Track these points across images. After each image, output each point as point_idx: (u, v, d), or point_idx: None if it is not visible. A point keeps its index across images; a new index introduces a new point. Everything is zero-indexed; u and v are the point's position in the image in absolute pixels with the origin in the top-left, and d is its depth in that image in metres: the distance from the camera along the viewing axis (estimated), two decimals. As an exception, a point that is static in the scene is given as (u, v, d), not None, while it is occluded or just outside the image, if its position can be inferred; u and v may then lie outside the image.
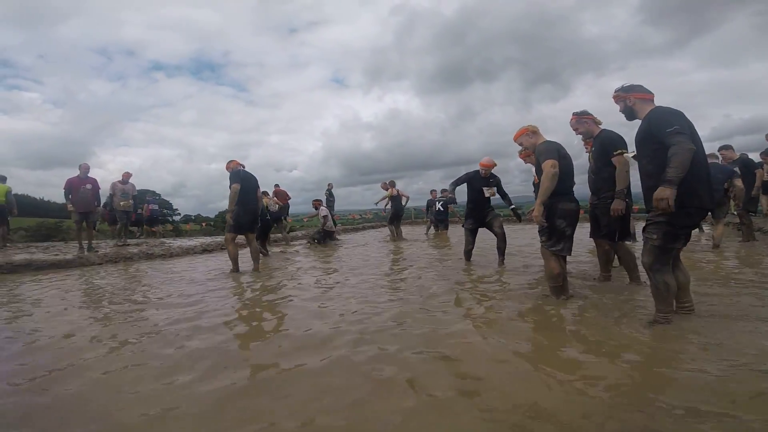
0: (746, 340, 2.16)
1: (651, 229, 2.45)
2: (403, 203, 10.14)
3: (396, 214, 9.79)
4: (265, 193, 8.58)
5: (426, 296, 3.59)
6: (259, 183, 5.60)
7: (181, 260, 7.18)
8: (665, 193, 2.23)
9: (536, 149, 3.28)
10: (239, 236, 5.52)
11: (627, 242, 3.73)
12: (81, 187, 7.23)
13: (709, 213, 5.73)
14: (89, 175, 7.43)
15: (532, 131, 3.39)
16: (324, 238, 9.17)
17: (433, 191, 11.48)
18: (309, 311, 3.24)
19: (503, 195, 5.35)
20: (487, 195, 5.18)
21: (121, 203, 8.41)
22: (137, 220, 12.35)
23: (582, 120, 3.63)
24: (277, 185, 12.40)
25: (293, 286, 4.29)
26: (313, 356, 2.22)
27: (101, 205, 7.78)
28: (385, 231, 11.46)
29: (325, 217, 9.17)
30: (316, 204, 9.67)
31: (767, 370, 1.80)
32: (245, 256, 5.79)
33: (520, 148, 3.84)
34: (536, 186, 3.36)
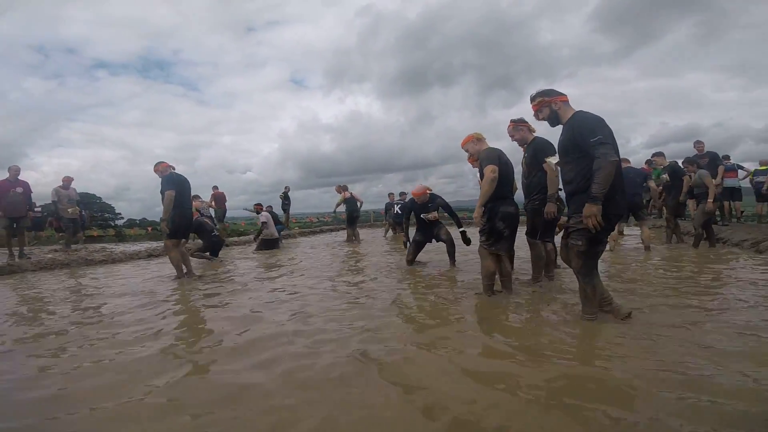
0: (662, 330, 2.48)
1: (575, 236, 2.50)
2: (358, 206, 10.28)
3: (351, 216, 9.91)
4: (196, 197, 8.25)
5: (365, 294, 3.77)
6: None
7: (125, 266, 6.90)
8: (592, 210, 2.29)
9: (479, 155, 3.48)
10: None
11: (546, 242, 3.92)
12: (10, 191, 6.75)
13: (632, 215, 5.98)
14: (20, 178, 6.99)
15: (477, 138, 3.60)
16: (263, 246, 8.56)
17: (390, 194, 11.69)
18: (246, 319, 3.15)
19: (451, 215, 5.44)
20: (427, 221, 5.39)
21: (69, 210, 7.87)
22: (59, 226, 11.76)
23: (518, 127, 3.78)
24: (215, 187, 12.04)
25: (238, 291, 4.30)
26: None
27: (32, 209, 7.29)
28: (342, 234, 11.55)
29: (264, 223, 8.62)
30: (257, 208, 9.36)
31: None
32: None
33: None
34: None
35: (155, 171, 5.17)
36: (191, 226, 5.45)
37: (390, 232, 11.41)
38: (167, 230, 4.94)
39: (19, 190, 6.84)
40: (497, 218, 3.36)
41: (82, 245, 9.36)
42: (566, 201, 2.71)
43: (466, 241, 4.97)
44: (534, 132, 3.84)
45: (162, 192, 4.91)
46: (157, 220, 5.04)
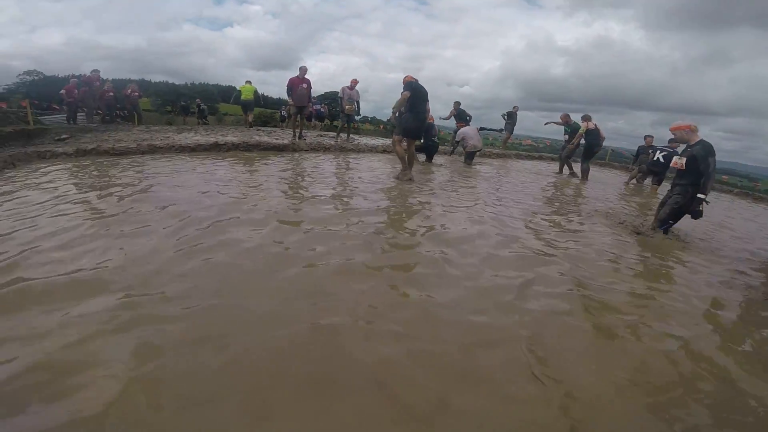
0: None
1: None
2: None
3: (590, 151, 8.59)
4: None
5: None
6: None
7: (367, 156, 8.12)
8: None
9: None
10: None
11: None
12: (300, 86, 8.38)
13: None
14: (306, 76, 8.55)
15: None
16: (468, 158, 9.05)
17: (648, 137, 9.59)
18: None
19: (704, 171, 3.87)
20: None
21: (347, 107, 9.26)
22: (309, 116, 15.08)
23: None
24: None
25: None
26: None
27: (311, 102, 8.98)
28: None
29: (463, 139, 9.07)
30: (459, 125, 10.13)
31: None
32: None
33: None
34: None
35: (403, 82, 5.54)
36: (422, 130, 5.83)
37: (634, 181, 9.53)
38: (395, 121, 5.45)
39: (305, 86, 8.44)
40: None
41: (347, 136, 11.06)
42: None
43: (696, 214, 3.84)
44: None
45: (402, 93, 5.34)
46: (384, 120, 5.63)
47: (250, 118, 11.84)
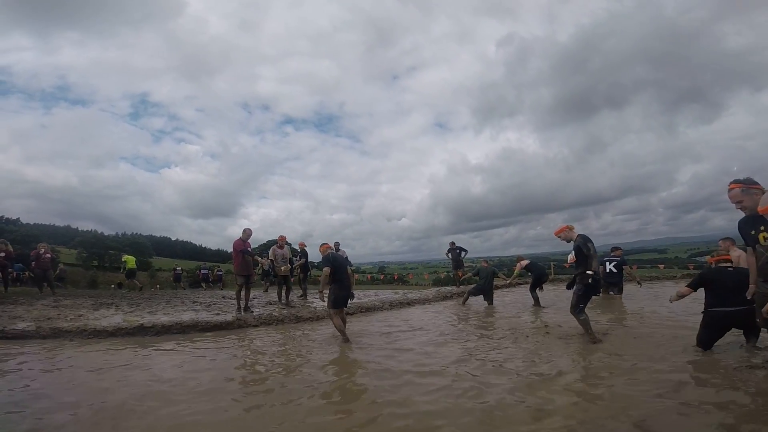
0: None
1: None
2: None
3: (539, 280, 8.62)
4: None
5: None
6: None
7: (321, 324, 7.23)
8: None
9: None
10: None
11: None
12: (244, 252, 7.76)
13: None
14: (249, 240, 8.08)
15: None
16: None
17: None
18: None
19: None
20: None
21: (282, 268, 8.53)
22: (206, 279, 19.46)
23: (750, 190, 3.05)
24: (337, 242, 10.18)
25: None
26: None
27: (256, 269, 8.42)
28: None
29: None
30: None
31: None
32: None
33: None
34: None
35: (320, 251, 6.00)
36: (348, 297, 6.03)
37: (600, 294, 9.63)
38: (323, 300, 5.72)
39: (249, 249, 7.93)
40: None
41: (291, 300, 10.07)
42: None
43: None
44: None
45: (322, 270, 5.73)
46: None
47: (139, 282, 14.95)
